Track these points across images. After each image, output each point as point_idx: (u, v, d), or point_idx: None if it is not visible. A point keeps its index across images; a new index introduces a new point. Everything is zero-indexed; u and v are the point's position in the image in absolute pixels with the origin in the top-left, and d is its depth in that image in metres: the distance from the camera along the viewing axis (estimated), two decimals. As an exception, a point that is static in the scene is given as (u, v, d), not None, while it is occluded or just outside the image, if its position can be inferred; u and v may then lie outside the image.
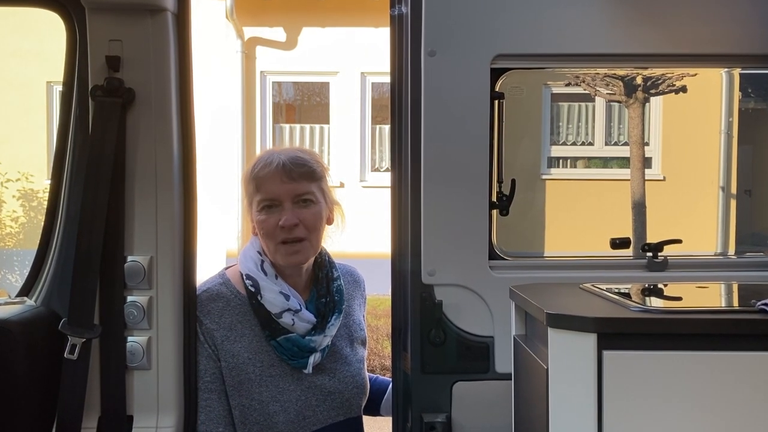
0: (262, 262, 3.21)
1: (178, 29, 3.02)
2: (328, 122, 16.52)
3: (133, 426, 3.00)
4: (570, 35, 3.03)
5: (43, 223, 3.15)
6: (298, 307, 3.16)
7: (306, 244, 3.18)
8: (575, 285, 2.64)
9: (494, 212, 3.13)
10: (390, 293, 3.17)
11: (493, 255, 3.12)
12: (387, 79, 3.18)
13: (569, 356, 2.09)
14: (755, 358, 2.06)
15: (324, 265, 3.37)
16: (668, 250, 3.17)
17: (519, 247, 3.44)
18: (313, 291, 3.31)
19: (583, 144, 14.08)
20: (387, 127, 14.73)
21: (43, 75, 14.99)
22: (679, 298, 2.65)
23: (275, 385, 3.14)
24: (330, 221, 3.32)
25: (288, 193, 3.14)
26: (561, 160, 13.26)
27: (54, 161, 3.13)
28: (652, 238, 3.20)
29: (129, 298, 2.97)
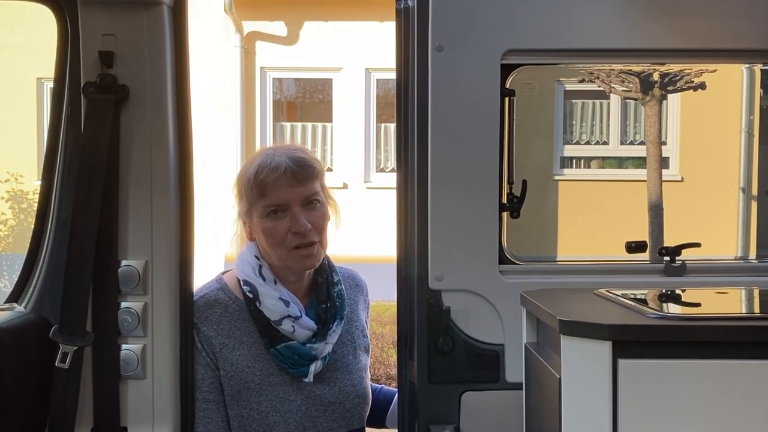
0: (260, 266, 3.21)
1: (175, 23, 3.02)
2: (330, 120, 16.52)
3: (127, 438, 3.01)
4: (584, 30, 3.03)
5: (33, 226, 3.14)
6: (298, 314, 3.17)
7: (317, 246, 3.19)
8: (589, 290, 2.63)
9: (504, 214, 3.13)
10: (395, 299, 3.17)
11: (503, 259, 3.12)
12: (392, 75, 3.19)
13: (583, 365, 2.09)
14: (778, 367, 2.06)
15: (324, 270, 3.37)
16: (686, 254, 3.17)
17: (530, 251, 3.45)
18: (312, 296, 3.31)
19: (597, 143, 14.08)
20: (392, 126, 14.75)
21: (33, 71, 14.97)
22: (697, 305, 2.65)
23: (275, 395, 3.14)
24: (329, 218, 3.32)
25: (297, 197, 3.14)
26: (574, 160, 13.25)
27: (44, 161, 3.13)
28: (669, 241, 3.20)
29: (123, 305, 2.97)
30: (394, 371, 8.56)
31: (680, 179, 11.35)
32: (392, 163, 16.01)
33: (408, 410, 3.14)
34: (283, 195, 3.15)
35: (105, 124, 2.89)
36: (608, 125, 13.85)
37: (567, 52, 3.09)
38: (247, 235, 3.29)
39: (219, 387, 3.14)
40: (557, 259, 4.30)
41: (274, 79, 16.43)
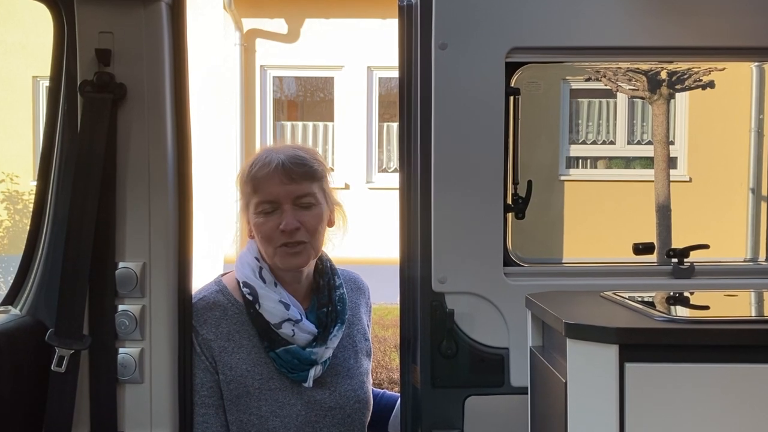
0: (261, 268, 3.21)
1: (173, 20, 3.02)
2: (332, 120, 16.52)
3: (124, 443, 3.01)
4: (590, 27, 3.02)
5: (28, 228, 3.14)
6: (299, 317, 3.16)
7: (307, 246, 3.18)
8: (596, 293, 2.63)
9: (509, 216, 3.13)
10: (398, 302, 3.16)
11: (508, 261, 3.12)
12: (395, 73, 3.19)
13: (589, 369, 2.09)
14: (788, 371, 2.05)
15: (325, 272, 3.36)
16: (695, 256, 3.17)
17: (536, 252, 3.44)
18: (313, 300, 3.30)
19: (603, 143, 14.08)
20: (395, 125, 14.74)
21: (29, 69, 14.99)
22: (706, 307, 2.65)
23: (275, 399, 3.14)
24: (331, 223, 3.31)
25: (288, 194, 3.14)
26: (580, 160, 13.26)
27: (40, 161, 3.12)
28: (677, 243, 3.20)
29: (120, 307, 2.97)
30: (396, 375, 8.56)
31: (688, 179, 11.36)
32: (395, 163, 16.00)
33: (411, 415, 3.13)
34: (273, 191, 3.14)
35: (102, 123, 2.89)
36: (615, 124, 13.86)
37: (573, 50, 3.08)
38: (248, 232, 3.29)
39: (218, 391, 3.14)
40: (563, 261, 4.30)
41: (274, 77, 16.44)
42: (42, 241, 3.09)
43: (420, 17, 3.02)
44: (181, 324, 3.05)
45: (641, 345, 2.06)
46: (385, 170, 16.45)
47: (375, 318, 3.33)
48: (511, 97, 3.08)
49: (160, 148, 2.97)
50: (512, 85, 3.09)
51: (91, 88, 2.91)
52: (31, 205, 3.19)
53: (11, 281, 3.15)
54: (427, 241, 3.04)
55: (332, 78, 16.45)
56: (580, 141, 13.85)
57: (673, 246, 3.17)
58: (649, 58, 3.28)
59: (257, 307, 3.14)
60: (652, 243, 3.19)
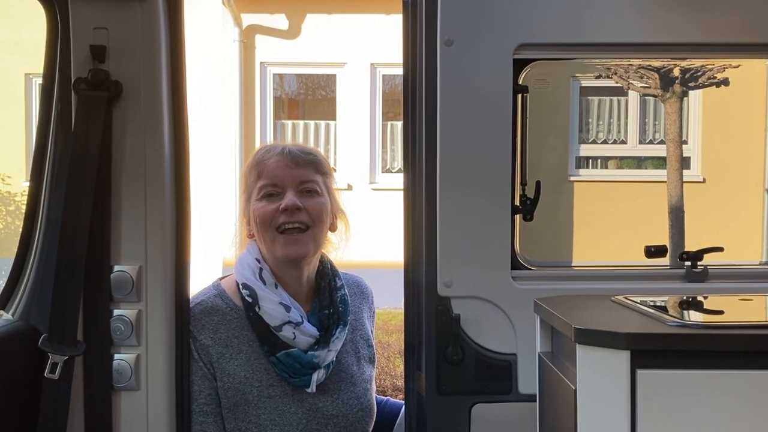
0: (261, 269, 3.21)
1: (170, 16, 3.02)
2: (334, 118, 16.50)
3: (120, 452, 3.00)
4: (601, 23, 3.02)
5: (21, 230, 3.14)
6: (300, 320, 3.16)
7: (308, 234, 3.18)
8: (606, 297, 2.63)
9: (517, 217, 3.12)
10: (402, 306, 3.16)
11: (516, 264, 3.11)
12: (399, 70, 3.18)
13: (600, 375, 2.09)
14: (805, 378, 2.05)
15: (326, 274, 3.36)
16: (708, 259, 3.17)
17: (544, 255, 3.44)
18: (315, 302, 3.31)
19: (614, 142, 14.07)
20: (399, 124, 14.72)
21: (21, 66, 14.99)
22: (720, 312, 2.64)
23: (274, 407, 3.14)
24: (333, 228, 3.31)
25: (292, 179, 3.15)
26: (590, 160, 13.26)
27: (33, 161, 3.12)
28: (690, 245, 3.19)
29: (116, 312, 2.97)
30: (400, 382, 8.55)
31: (702, 180, 11.36)
32: (399, 163, 16.00)
33: (416, 423, 3.13)
34: (278, 174, 3.16)
35: (97, 122, 2.88)
36: (626, 123, 13.85)
37: (583, 46, 3.08)
38: (247, 233, 3.29)
39: (216, 398, 3.14)
40: (572, 265, 4.30)
41: (274, 74, 16.42)
42: (35, 243, 3.09)
43: (425, 12, 3.01)
44: (179, 329, 3.05)
45: (653, 351, 2.06)
46: (388, 171, 16.43)
47: (379, 323, 3.32)
48: (519, 95, 3.08)
49: (157, 148, 2.97)
50: (520, 82, 3.09)
51: (86, 85, 2.90)
52: (24, 207, 3.19)
53: (3, 285, 3.15)
54: (432, 243, 3.03)
55: (334, 75, 16.44)
56: (590, 140, 13.84)
57: (687, 249, 3.17)
58: (661, 54, 3.27)
59: (257, 309, 3.14)
60: (665, 245, 3.18)
